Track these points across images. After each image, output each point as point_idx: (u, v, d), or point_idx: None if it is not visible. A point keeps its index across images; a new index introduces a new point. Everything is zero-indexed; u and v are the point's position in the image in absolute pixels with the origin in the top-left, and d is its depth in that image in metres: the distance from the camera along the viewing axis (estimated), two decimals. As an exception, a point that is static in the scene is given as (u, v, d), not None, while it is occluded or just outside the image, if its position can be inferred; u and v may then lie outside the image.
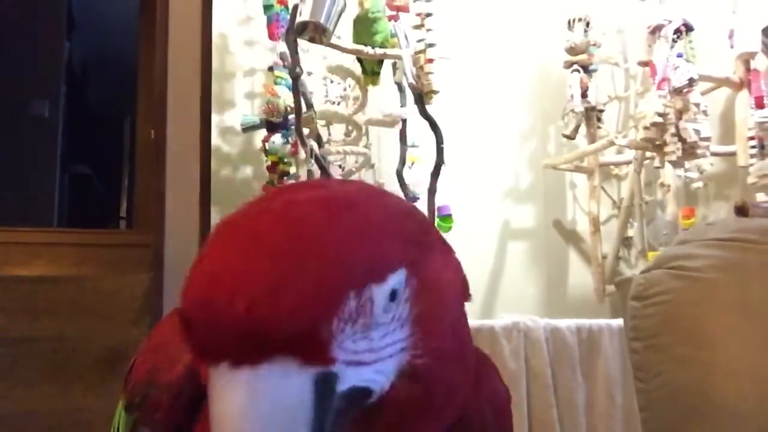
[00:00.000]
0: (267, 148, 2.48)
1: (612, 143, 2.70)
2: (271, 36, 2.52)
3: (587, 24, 2.90)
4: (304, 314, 0.44)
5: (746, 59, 2.72)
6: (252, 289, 0.44)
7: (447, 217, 2.37)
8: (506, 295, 2.97)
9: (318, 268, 0.45)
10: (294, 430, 0.45)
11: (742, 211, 1.22)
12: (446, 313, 0.55)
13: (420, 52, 2.39)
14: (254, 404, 0.44)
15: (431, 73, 2.39)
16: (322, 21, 2.20)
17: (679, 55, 2.59)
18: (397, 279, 0.50)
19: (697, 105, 2.52)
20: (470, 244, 2.55)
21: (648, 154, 2.79)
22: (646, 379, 1.16)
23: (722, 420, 1.05)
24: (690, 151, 2.51)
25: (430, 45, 2.38)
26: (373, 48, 2.36)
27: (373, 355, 0.50)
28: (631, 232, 3.04)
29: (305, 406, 0.45)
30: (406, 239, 0.52)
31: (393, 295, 0.50)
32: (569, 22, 2.91)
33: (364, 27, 2.37)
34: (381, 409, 0.52)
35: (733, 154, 2.76)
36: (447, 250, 0.60)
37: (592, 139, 2.91)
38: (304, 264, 0.45)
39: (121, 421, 0.69)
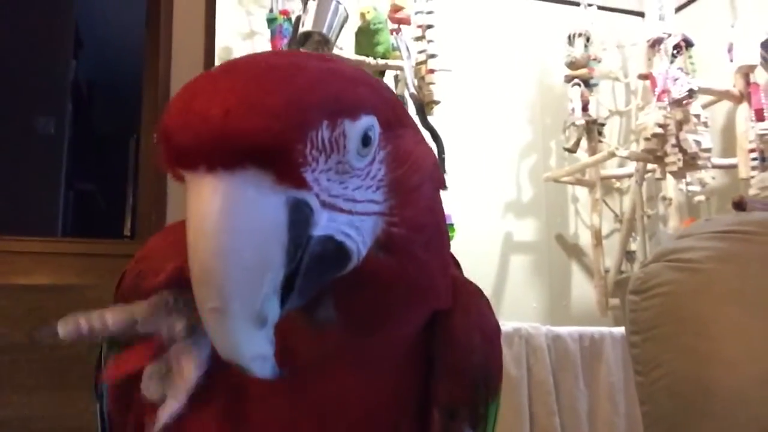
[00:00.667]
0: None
1: (613, 155, 2.71)
2: (275, 48, 2.55)
3: (587, 39, 2.93)
4: (277, 126, 0.46)
5: (746, 72, 2.74)
6: (230, 101, 0.46)
7: (449, 226, 2.37)
8: (509, 308, 2.96)
9: (294, 90, 0.47)
10: (268, 251, 0.46)
11: (740, 205, 1.23)
12: (422, 188, 0.57)
13: (421, 63, 2.42)
14: (228, 212, 0.45)
15: (432, 83, 2.42)
16: (324, 31, 2.24)
17: (679, 69, 2.62)
18: (369, 122, 0.52)
19: (698, 116, 2.54)
20: (472, 257, 2.55)
21: (649, 166, 2.80)
22: (646, 371, 1.16)
23: (722, 409, 1.04)
24: (691, 162, 2.53)
25: (432, 56, 2.41)
26: (374, 59, 2.39)
27: (348, 204, 0.51)
28: (633, 246, 3.04)
29: (280, 227, 0.47)
30: (380, 97, 0.55)
31: (366, 140, 0.52)
32: (570, 37, 2.94)
33: (366, 38, 2.40)
34: (359, 282, 0.53)
35: (734, 166, 2.77)
36: (419, 133, 0.62)
37: (593, 152, 2.93)
38: (282, 86, 0.47)
39: None
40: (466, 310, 0.65)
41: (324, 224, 0.50)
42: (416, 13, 2.48)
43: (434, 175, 0.60)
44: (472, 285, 0.69)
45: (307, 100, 0.48)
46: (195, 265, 0.46)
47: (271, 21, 2.54)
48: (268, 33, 2.58)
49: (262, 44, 2.72)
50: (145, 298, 0.60)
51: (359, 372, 0.59)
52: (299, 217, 0.48)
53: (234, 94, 0.46)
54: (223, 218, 0.45)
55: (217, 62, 2.78)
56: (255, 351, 0.47)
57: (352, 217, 0.52)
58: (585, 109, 2.88)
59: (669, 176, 2.67)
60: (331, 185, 0.50)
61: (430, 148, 0.62)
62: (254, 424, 0.61)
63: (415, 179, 0.56)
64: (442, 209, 0.62)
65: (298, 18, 2.31)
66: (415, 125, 0.62)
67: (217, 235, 0.45)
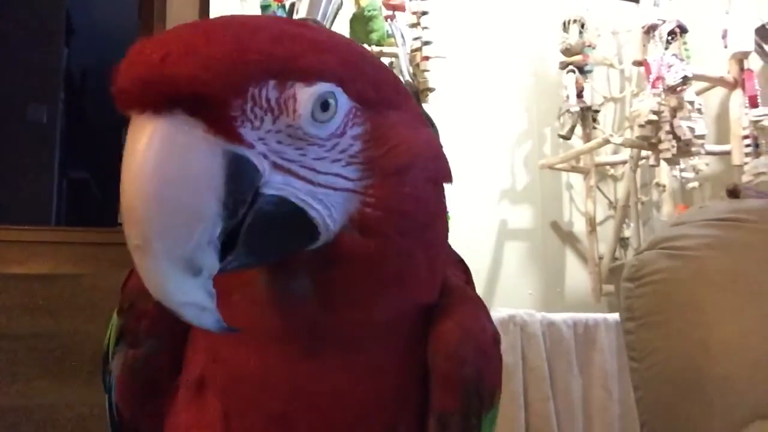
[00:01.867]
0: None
1: (607, 141, 2.72)
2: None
3: (582, 25, 2.93)
4: (208, 74, 0.46)
5: (740, 59, 2.75)
6: (172, 48, 0.47)
7: (443, 214, 2.38)
8: (504, 295, 2.97)
9: (242, 45, 0.48)
10: (198, 199, 0.46)
11: (733, 193, 1.24)
12: (409, 173, 0.56)
13: (416, 50, 2.41)
14: (153, 152, 0.46)
15: (427, 70, 2.41)
16: (318, 18, 2.23)
17: (674, 56, 2.62)
18: (327, 88, 0.51)
19: (692, 103, 2.54)
20: (467, 245, 2.57)
21: (643, 153, 2.81)
22: (640, 357, 1.17)
23: (715, 394, 1.06)
24: (684, 148, 2.54)
25: (426, 43, 2.41)
26: (369, 46, 2.38)
27: (307, 173, 0.51)
28: (627, 233, 3.05)
29: (212, 177, 0.47)
30: (354, 69, 0.54)
31: (324, 106, 0.51)
32: (564, 24, 2.94)
33: (361, 25, 2.39)
34: (334, 259, 0.53)
35: (727, 153, 2.78)
36: (420, 120, 0.60)
37: (587, 139, 2.93)
38: (231, 40, 0.48)
39: (113, 326, 0.70)
40: (460, 319, 0.63)
41: (276, 186, 0.50)
42: (411, 0, 2.47)
43: (432, 165, 0.59)
44: (469, 292, 0.67)
45: (252, 56, 0.48)
46: (123, 202, 0.47)
47: (264, 8, 2.53)
48: (261, 20, 2.57)
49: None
50: (147, 301, 0.61)
51: (348, 363, 0.59)
52: (239, 171, 0.48)
53: (179, 43, 0.47)
54: (149, 158, 0.46)
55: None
56: (186, 298, 0.47)
57: (313, 187, 0.51)
58: (580, 95, 2.88)
59: (663, 163, 2.68)
60: (283, 149, 0.50)
61: (434, 139, 0.61)
62: (245, 414, 0.61)
63: (399, 162, 0.55)
64: (440, 202, 0.60)
65: (293, 5, 2.30)
66: (416, 113, 0.61)
67: (140, 173, 0.46)
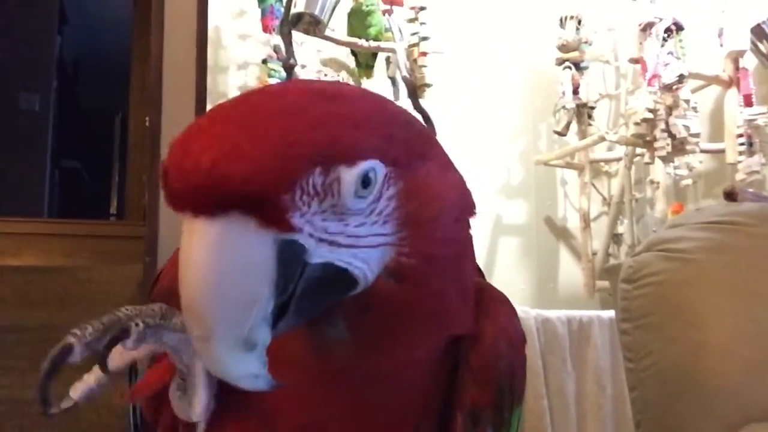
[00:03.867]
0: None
1: (603, 139, 2.72)
2: (265, 29, 2.52)
3: (579, 22, 2.92)
4: (259, 177, 0.48)
5: (735, 58, 2.75)
6: (218, 150, 0.48)
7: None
8: (497, 290, 2.98)
9: (283, 139, 0.49)
10: (253, 286, 0.49)
11: (731, 196, 1.25)
12: (439, 219, 0.58)
13: (414, 45, 2.41)
14: (211, 252, 0.48)
15: (425, 66, 2.41)
16: (317, 12, 2.22)
17: (670, 53, 2.62)
18: (369, 166, 0.52)
19: (687, 101, 2.55)
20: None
21: (638, 150, 2.82)
22: (636, 359, 1.18)
23: (711, 396, 1.07)
24: (679, 146, 2.54)
25: (424, 38, 2.40)
26: (367, 41, 2.38)
27: (350, 240, 0.53)
28: (621, 229, 3.06)
29: (265, 264, 0.49)
30: (388, 138, 0.55)
31: (366, 182, 0.52)
32: (561, 20, 2.93)
33: (359, 20, 2.39)
34: (370, 306, 0.55)
35: (722, 151, 2.79)
36: (446, 163, 0.63)
37: (583, 136, 2.94)
38: (271, 134, 0.49)
39: None
40: (493, 316, 0.66)
41: (322, 255, 0.52)
42: (408, -5, 2.46)
43: (459, 203, 0.61)
44: (497, 291, 0.71)
45: (296, 150, 0.49)
46: (183, 299, 0.50)
47: (261, 0, 2.52)
48: (257, 12, 2.55)
49: (253, 25, 2.69)
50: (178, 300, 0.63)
51: (377, 382, 0.60)
52: (289, 255, 0.50)
53: (223, 143, 0.48)
54: (206, 258, 0.48)
55: (209, 46, 2.75)
56: (243, 371, 0.51)
57: (355, 250, 0.53)
58: (575, 92, 2.88)
59: (657, 160, 2.69)
60: (328, 224, 0.52)
61: (458, 175, 0.63)
62: (273, 423, 0.63)
63: (431, 212, 0.57)
64: (467, 236, 0.63)
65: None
66: (442, 153, 0.63)
67: (199, 273, 0.49)
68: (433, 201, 0.57)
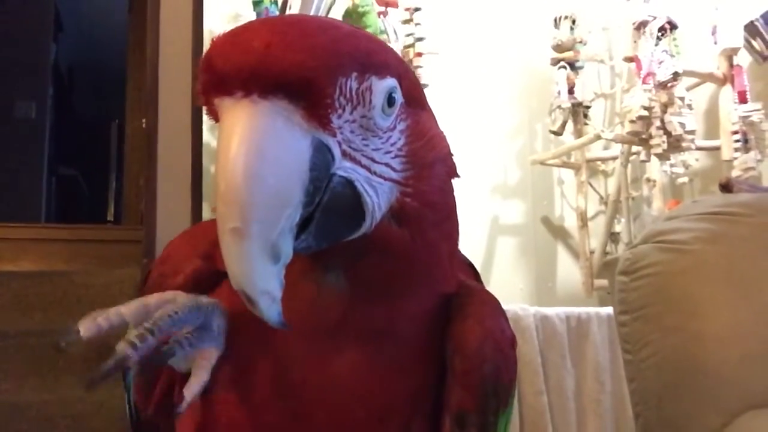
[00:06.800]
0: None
1: (599, 137, 2.73)
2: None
3: (573, 21, 2.94)
4: (312, 63, 0.49)
5: (729, 55, 2.76)
6: (271, 38, 0.50)
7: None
8: (495, 290, 2.94)
9: (329, 37, 0.52)
10: (290, 184, 0.49)
11: (726, 187, 1.25)
12: (435, 167, 0.61)
13: (409, 46, 2.41)
14: (258, 136, 0.48)
15: (420, 67, 2.42)
16: (311, 14, 2.22)
17: (664, 51, 2.63)
18: (393, 84, 0.56)
19: (682, 99, 2.56)
20: (459, 240, 2.57)
21: (634, 148, 2.83)
22: (635, 350, 1.18)
23: (709, 385, 1.07)
24: (675, 144, 2.55)
25: (419, 39, 2.41)
26: (362, 42, 2.38)
27: (367, 162, 0.55)
28: (618, 228, 3.07)
29: (303, 164, 0.50)
30: (404, 70, 0.59)
31: (390, 101, 0.55)
32: (556, 20, 2.95)
33: (353, 21, 2.39)
34: (369, 249, 0.56)
35: (717, 148, 2.80)
36: (435, 120, 0.65)
37: (578, 135, 2.94)
38: (318, 32, 0.52)
39: None
40: (480, 318, 0.64)
41: (345, 169, 0.53)
42: (403, -4, 2.47)
43: (448, 160, 0.64)
44: (486, 293, 0.70)
45: (341, 48, 0.52)
46: (222, 184, 0.48)
47: (256, 3, 2.52)
48: (252, 16, 2.56)
49: (248, 27, 2.69)
50: None
51: (369, 360, 0.60)
52: (321, 159, 0.51)
53: (275, 34, 0.50)
54: (254, 141, 0.48)
55: (205, 47, 2.75)
56: (265, 285, 0.50)
57: (370, 175, 0.55)
58: (571, 91, 2.89)
59: (653, 158, 2.70)
60: (353, 137, 0.54)
61: (446, 137, 0.65)
62: (267, 404, 0.62)
63: (431, 157, 0.60)
64: (454, 196, 0.64)
65: (285, 0, 2.29)
66: (433, 113, 0.65)
67: (246, 156, 0.48)
68: (432, 147, 0.60)
